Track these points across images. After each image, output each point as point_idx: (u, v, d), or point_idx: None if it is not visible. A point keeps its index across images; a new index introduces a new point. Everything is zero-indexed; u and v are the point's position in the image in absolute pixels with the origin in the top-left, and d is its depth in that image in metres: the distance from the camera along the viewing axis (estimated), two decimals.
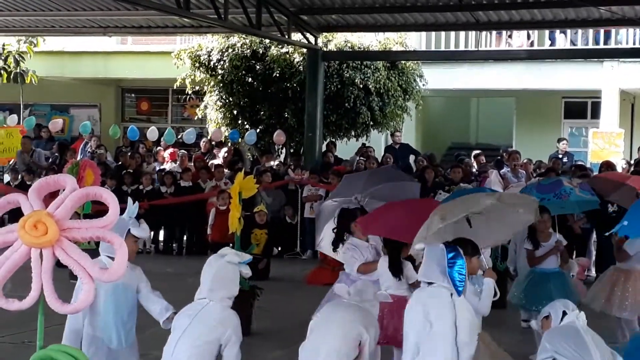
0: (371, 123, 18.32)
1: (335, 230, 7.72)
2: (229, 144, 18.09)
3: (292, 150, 18.62)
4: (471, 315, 5.21)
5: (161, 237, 15.73)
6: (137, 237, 5.42)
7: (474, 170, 16.06)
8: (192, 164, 16.96)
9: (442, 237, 5.46)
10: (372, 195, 7.87)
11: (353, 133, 18.58)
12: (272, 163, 17.04)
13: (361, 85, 17.71)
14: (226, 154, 17.10)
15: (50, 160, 17.76)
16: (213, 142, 18.36)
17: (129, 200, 5.49)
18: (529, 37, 20.58)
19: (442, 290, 5.08)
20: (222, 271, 5.25)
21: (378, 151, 18.85)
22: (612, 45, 19.99)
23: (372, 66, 17.98)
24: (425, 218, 5.81)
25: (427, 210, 6.08)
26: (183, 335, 5.11)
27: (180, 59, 18.54)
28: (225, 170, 15.93)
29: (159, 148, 18.51)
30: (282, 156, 18.90)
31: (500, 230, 6.49)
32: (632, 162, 16.33)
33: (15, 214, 4.19)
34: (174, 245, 15.65)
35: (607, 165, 14.28)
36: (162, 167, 17.21)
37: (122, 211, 5.12)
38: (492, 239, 6.66)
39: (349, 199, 7.92)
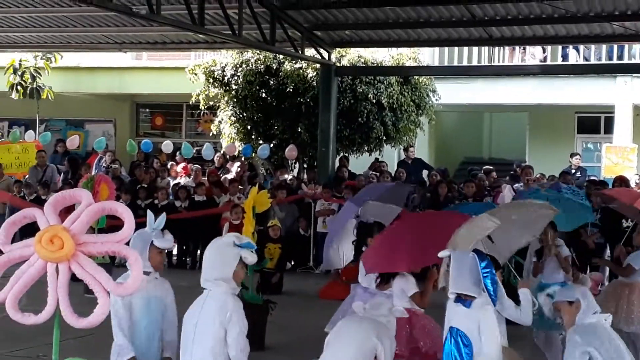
0: (384, 138, 18.35)
1: (354, 243, 7.75)
2: (242, 159, 18.16)
3: (305, 165, 18.66)
4: (497, 327, 5.19)
5: (175, 251, 15.78)
6: (160, 248, 5.39)
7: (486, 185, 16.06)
8: (206, 178, 17.02)
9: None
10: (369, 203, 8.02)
11: (366, 148, 18.62)
12: (285, 177, 17.09)
13: (374, 101, 17.76)
14: (239, 169, 17.16)
15: (62, 175, 17.85)
16: (227, 156, 18.43)
17: (149, 213, 5.44)
18: (544, 51, 20.59)
19: (485, 304, 5.01)
20: (217, 250, 5.09)
21: (391, 166, 18.86)
22: (625, 60, 19.98)
23: (385, 81, 18.03)
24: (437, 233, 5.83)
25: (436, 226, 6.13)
26: (194, 341, 5.04)
27: (195, 74, 18.65)
28: (240, 187, 15.97)
29: (171, 163, 18.60)
30: (295, 170, 18.95)
31: (522, 234, 6.40)
32: None
33: (27, 229, 4.24)
34: (187, 259, 15.70)
35: (621, 180, 14.23)
36: (175, 181, 17.29)
37: (138, 226, 5.16)
38: (515, 244, 6.54)
39: (352, 220, 8.04)
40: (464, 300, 5.01)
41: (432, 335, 6.46)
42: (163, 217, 5.40)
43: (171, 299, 5.61)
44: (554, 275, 8.22)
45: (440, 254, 5.22)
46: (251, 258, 5.09)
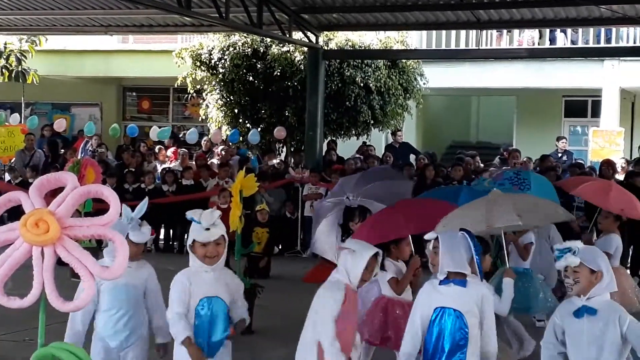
0: (372, 122, 18.34)
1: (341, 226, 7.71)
2: (228, 144, 18.09)
3: (292, 149, 18.64)
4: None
5: (162, 235, 15.76)
6: (135, 242, 5.40)
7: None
8: (194, 162, 16.98)
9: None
10: (363, 194, 7.86)
11: (354, 132, 18.60)
12: (273, 161, 17.06)
13: (362, 84, 17.73)
14: (223, 152, 17.09)
15: (43, 159, 17.73)
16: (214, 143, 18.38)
17: (124, 206, 5.35)
18: (540, 35, 20.58)
19: (479, 282, 4.96)
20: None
21: (379, 150, 18.87)
22: (612, 44, 20.01)
23: (372, 65, 18.00)
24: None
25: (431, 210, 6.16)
26: None
27: (182, 58, 18.57)
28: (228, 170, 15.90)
29: (159, 147, 18.53)
30: (283, 155, 18.92)
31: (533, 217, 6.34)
32: (632, 160, 16.31)
33: (14, 212, 4.21)
34: (174, 243, 15.68)
35: (608, 164, 14.28)
36: (164, 165, 17.23)
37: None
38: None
39: (342, 199, 7.92)
40: (457, 280, 4.90)
41: (402, 328, 6.40)
42: (144, 205, 5.37)
43: (154, 284, 5.60)
44: (519, 262, 8.00)
45: (427, 236, 5.15)
46: (197, 233, 5.14)
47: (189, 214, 5.16)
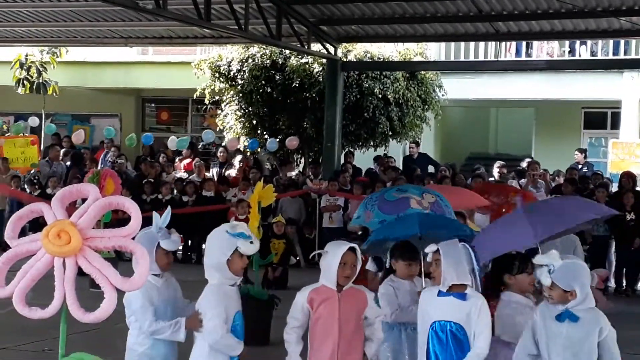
0: (390, 133, 18.33)
1: None
2: (247, 153, 18.13)
3: (310, 160, 18.66)
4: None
5: (180, 246, 15.80)
6: (167, 249, 5.32)
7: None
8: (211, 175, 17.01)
9: None
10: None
11: (372, 143, 18.60)
12: (292, 173, 17.07)
13: (380, 96, 17.74)
14: (241, 163, 17.09)
15: (65, 171, 17.83)
16: (229, 151, 18.39)
17: (154, 213, 5.34)
18: (560, 47, 20.52)
19: (477, 293, 4.97)
20: (212, 238, 5.14)
21: (397, 161, 18.85)
22: (632, 55, 19.93)
23: (391, 76, 18.01)
24: None
25: None
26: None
27: (201, 69, 18.66)
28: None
29: (179, 157, 18.60)
30: (301, 165, 18.95)
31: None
32: None
33: (35, 224, 4.25)
34: (192, 254, 15.71)
35: (628, 176, 14.23)
36: (178, 175, 17.26)
37: (144, 220, 5.12)
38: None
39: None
40: (457, 292, 4.94)
41: None
42: (168, 213, 5.35)
43: (180, 294, 5.60)
44: None
45: (427, 249, 5.18)
46: (246, 248, 5.05)
47: (233, 230, 5.13)
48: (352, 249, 5.13)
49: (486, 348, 4.92)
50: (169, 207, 5.42)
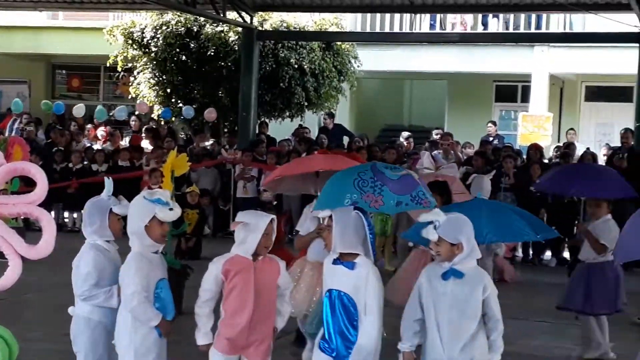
0: (306, 104, 18.34)
1: None
2: (161, 122, 17.89)
3: (225, 130, 18.53)
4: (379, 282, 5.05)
5: None
6: (120, 214, 5.28)
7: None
8: (127, 144, 16.77)
9: None
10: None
11: (287, 113, 18.58)
12: (206, 143, 16.94)
13: (296, 66, 17.70)
14: (145, 133, 16.93)
15: None
16: (142, 120, 18.16)
17: (106, 180, 5.32)
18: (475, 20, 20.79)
19: (369, 263, 4.94)
20: (131, 205, 5.15)
21: (313, 132, 18.87)
22: (542, 30, 20.35)
23: (307, 47, 17.99)
24: None
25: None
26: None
27: (113, 36, 18.28)
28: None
29: (89, 126, 18.24)
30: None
31: None
32: (563, 144, 16.63)
33: None
34: None
35: (535, 148, 14.58)
36: (91, 145, 16.95)
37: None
38: None
39: None
40: (346, 262, 4.91)
41: None
42: (110, 183, 5.29)
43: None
44: None
45: (321, 214, 5.17)
46: (164, 214, 5.04)
47: (150, 197, 5.08)
48: (272, 220, 5.12)
49: (375, 331, 4.85)
50: (110, 179, 5.34)
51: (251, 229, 5.08)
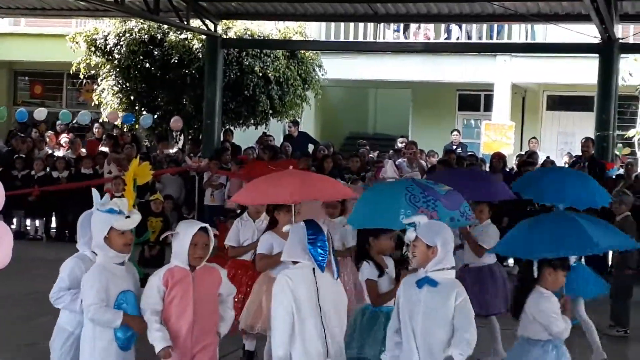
0: (270, 112, 18.34)
1: None
2: (124, 129, 17.78)
3: (190, 137, 18.47)
4: (337, 289, 5.17)
5: (53, 224, 15.43)
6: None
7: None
8: (85, 151, 16.62)
9: None
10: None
11: (252, 121, 18.56)
12: (169, 151, 16.85)
13: (260, 74, 17.70)
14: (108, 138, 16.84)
15: None
16: (106, 125, 18.02)
17: (94, 191, 5.23)
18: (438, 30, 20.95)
19: (305, 267, 5.03)
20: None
21: (277, 140, 18.88)
22: (505, 40, 20.56)
23: (271, 55, 17.99)
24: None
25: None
26: None
27: (76, 43, 18.15)
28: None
29: (50, 133, 18.09)
30: (181, 143, 18.72)
31: None
32: (524, 153, 16.80)
33: None
34: (67, 231, 15.34)
35: (498, 157, 14.70)
36: (52, 152, 16.81)
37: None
38: None
39: None
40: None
41: None
42: (105, 197, 5.19)
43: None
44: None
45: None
46: (121, 223, 5.01)
47: (103, 207, 5.03)
48: (203, 229, 5.09)
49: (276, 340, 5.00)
50: (95, 190, 5.25)
51: (179, 238, 5.08)
